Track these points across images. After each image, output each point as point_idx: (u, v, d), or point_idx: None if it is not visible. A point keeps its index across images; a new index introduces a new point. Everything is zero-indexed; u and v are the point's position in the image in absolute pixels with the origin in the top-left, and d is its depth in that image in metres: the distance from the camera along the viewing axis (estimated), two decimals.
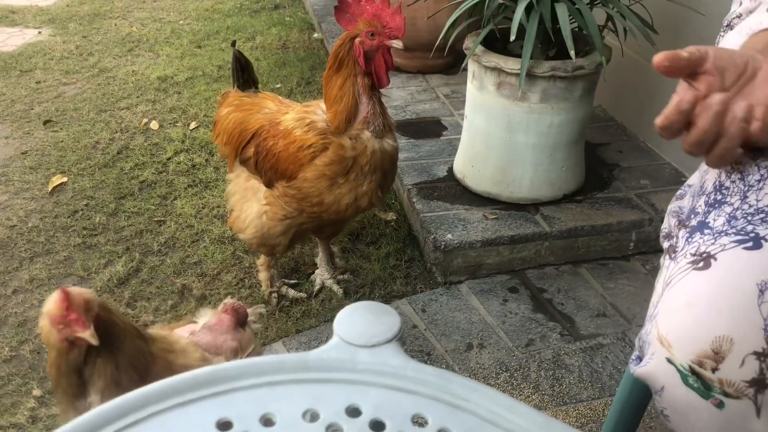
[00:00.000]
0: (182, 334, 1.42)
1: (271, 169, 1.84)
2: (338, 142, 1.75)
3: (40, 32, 4.45)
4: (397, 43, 1.65)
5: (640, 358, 0.85)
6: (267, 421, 0.74)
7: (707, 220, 0.83)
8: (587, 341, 2.01)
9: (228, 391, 0.77)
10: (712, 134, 0.76)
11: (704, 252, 0.78)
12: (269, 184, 1.87)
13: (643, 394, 1.09)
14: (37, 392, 1.87)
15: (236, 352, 1.42)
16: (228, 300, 1.51)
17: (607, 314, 2.11)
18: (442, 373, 0.79)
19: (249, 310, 1.54)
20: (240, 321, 1.49)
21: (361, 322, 0.85)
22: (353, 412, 0.75)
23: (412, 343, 2.00)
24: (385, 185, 1.87)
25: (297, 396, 0.76)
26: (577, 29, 2.21)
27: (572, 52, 1.95)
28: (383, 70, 1.70)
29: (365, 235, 2.45)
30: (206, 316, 1.48)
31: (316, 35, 4.28)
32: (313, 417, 0.74)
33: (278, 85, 3.58)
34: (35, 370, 1.95)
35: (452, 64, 3.41)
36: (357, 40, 1.68)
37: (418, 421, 0.74)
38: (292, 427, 0.73)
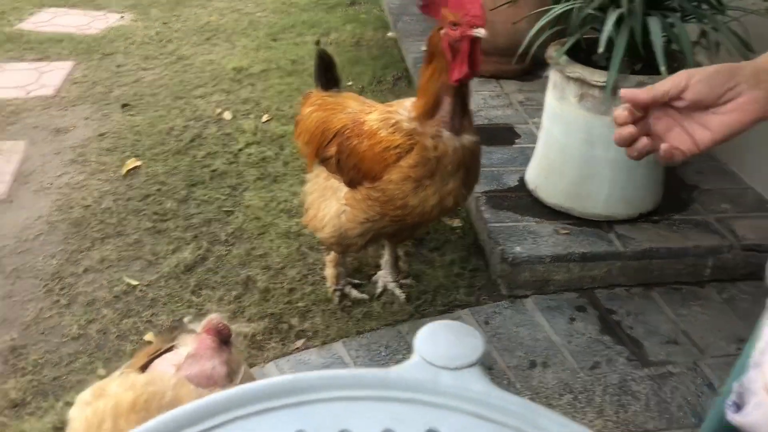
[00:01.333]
0: (165, 368, 1.31)
1: (354, 168, 1.83)
2: (422, 143, 1.72)
3: (122, 17, 4.57)
4: (479, 32, 1.58)
5: (738, 405, 0.80)
6: None
7: None
8: (656, 368, 1.93)
9: (307, 402, 0.75)
10: (624, 145, 0.90)
11: None
12: (351, 184, 1.86)
13: None
14: (101, 372, 1.91)
15: (230, 377, 1.32)
16: (212, 316, 1.39)
17: (678, 342, 2.02)
18: (527, 405, 0.75)
19: (232, 327, 1.42)
20: (223, 340, 1.37)
21: (443, 343, 0.82)
22: None
23: None
24: (469, 182, 1.83)
25: (376, 414, 0.74)
26: (665, 43, 2.13)
27: (663, 68, 1.87)
28: (459, 62, 1.63)
29: (429, 241, 2.42)
30: (187, 344, 1.37)
31: (390, 34, 4.26)
32: None
33: (350, 83, 3.58)
34: (101, 350, 1.99)
35: (528, 70, 3.35)
36: (442, 31, 1.65)
37: None
38: None
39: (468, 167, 1.79)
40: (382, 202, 1.80)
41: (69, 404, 1.79)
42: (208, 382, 1.26)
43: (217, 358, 1.32)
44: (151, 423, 0.71)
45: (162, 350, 1.39)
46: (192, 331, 1.41)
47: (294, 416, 0.73)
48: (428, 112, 1.72)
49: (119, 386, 1.18)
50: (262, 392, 0.75)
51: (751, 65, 0.85)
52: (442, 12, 1.62)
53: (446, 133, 1.72)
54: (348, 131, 1.87)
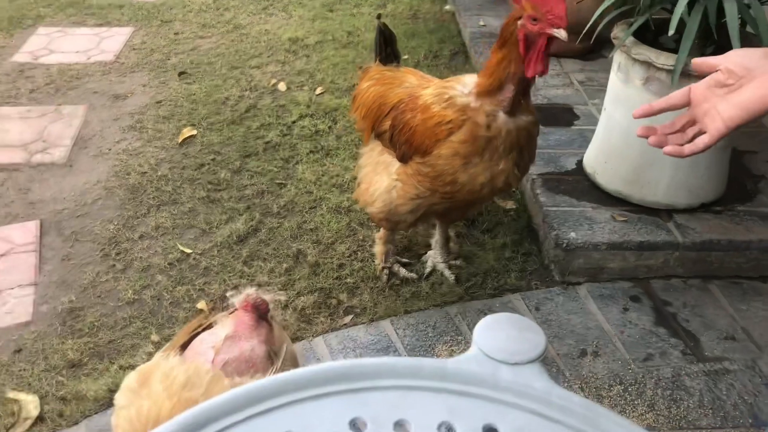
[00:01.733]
0: (204, 350, 1.29)
1: (406, 142, 1.81)
2: (474, 119, 1.69)
3: None
4: (558, 33, 1.54)
5: None
6: (401, 428, 0.71)
7: None
8: (711, 364, 1.87)
9: (363, 390, 0.75)
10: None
11: None
12: (403, 159, 1.85)
13: None
14: (155, 338, 1.95)
15: (270, 358, 1.29)
16: (249, 291, 1.36)
17: (736, 338, 1.96)
18: (590, 405, 0.73)
19: (268, 298, 1.38)
20: (261, 315, 1.36)
21: (503, 337, 0.80)
22: None
23: None
24: (523, 163, 1.79)
25: (433, 406, 0.73)
26: (740, 27, 2.03)
27: None
28: (536, 59, 1.60)
29: (481, 222, 2.39)
30: (225, 326, 1.34)
31: (447, 7, 4.18)
32: (449, 430, 0.71)
33: (405, 57, 3.53)
34: (155, 315, 2.03)
35: (590, 49, 3.25)
36: (519, 22, 1.60)
37: None
38: None
39: (522, 148, 1.76)
40: (432, 178, 1.78)
41: (123, 368, 1.84)
42: (247, 367, 1.25)
43: (256, 337, 1.31)
44: (207, 404, 0.71)
45: (203, 327, 1.39)
46: (233, 306, 1.40)
47: (350, 403, 0.73)
48: (489, 93, 1.69)
49: (161, 382, 1.19)
50: (317, 377, 0.75)
51: None
52: (522, 2, 1.57)
53: (502, 115, 1.69)
54: (403, 105, 1.85)
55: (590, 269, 2.12)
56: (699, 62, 1.01)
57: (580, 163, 2.42)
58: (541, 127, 2.64)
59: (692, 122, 1.00)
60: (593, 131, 2.38)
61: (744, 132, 2.63)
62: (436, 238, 2.20)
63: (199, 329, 1.39)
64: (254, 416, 0.71)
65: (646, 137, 1.04)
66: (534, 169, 2.39)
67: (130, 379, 1.27)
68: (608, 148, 2.25)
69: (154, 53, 3.63)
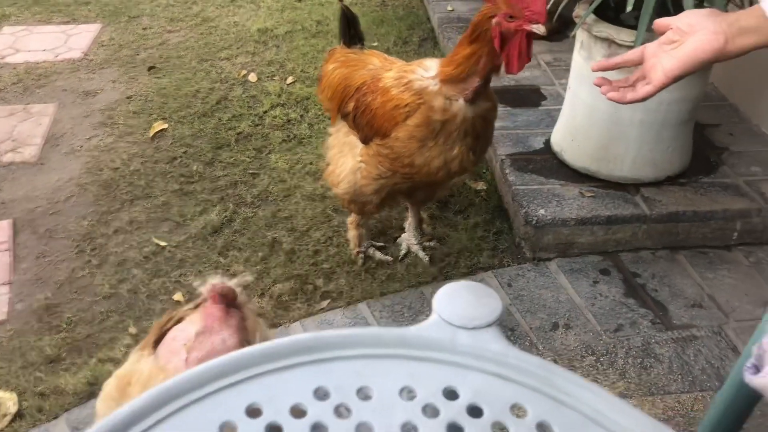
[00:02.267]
0: (176, 350, 1.27)
1: (367, 124, 1.84)
2: (429, 104, 1.72)
3: None
4: (538, 29, 1.56)
5: (757, 367, 0.80)
6: (364, 395, 0.74)
7: None
8: (680, 332, 1.93)
9: (327, 360, 0.77)
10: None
11: None
12: (365, 140, 1.88)
13: (750, 399, 1.04)
14: (132, 330, 1.96)
15: (243, 345, 1.22)
16: (213, 281, 1.31)
17: (703, 305, 2.01)
18: (545, 365, 0.76)
19: (233, 283, 1.33)
20: (230, 303, 1.31)
21: (461, 303, 0.83)
22: (450, 394, 0.74)
23: None
24: (478, 148, 1.83)
25: (395, 372, 0.76)
26: (697, 2, 2.07)
27: None
28: (516, 55, 1.62)
29: (453, 204, 2.42)
30: (194, 323, 1.30)
31: None
32: (410, 395, 0.74)
33: (375, 44, 3.54)
34: (132, 308, 2.04)
35: (556, 30, 3.27)
36: (494, 21, 1.61)
37: (517, 412, 0.72)
38: (389, 404, 0.72)
39: (478, 134, 1.79)
40: (392, 159, 1.82)
41: (102, 361, 1.85)
42: None
43: (226, 329, 1.28)
44: (174, 380, 0.73)
45: (174, 321, 1.36)
46: (201, 297, 1.35)
47: (313, 373, 0.75)
48: (454, 82, 1.71)
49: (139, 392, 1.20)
50: (282, 350, 0.77)
51: (735, 15, 1.00)
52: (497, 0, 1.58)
53: (460, 101, 1.71)
54: (366, 87, 1.88)
55: (560, 245, 2.16)
56: (658, 22, 1.10)
57: (547, 142, 2.46)
58: (509, 108, 2.69)
59: (643, 77, 1.09)
60: (560, 110, 2.42)
61: (707, 105, 2.68)
62: (409, 221, 2.23)
63: (170, 324, 1.35)
64: (220, 390, 0.73)
65: (600, 86, 1.14)
66: (503, 150, 2.43)
67: (110, 387, 1.27)
68: (574, 126, 2.29)
69: (123, 49, 3.61)
